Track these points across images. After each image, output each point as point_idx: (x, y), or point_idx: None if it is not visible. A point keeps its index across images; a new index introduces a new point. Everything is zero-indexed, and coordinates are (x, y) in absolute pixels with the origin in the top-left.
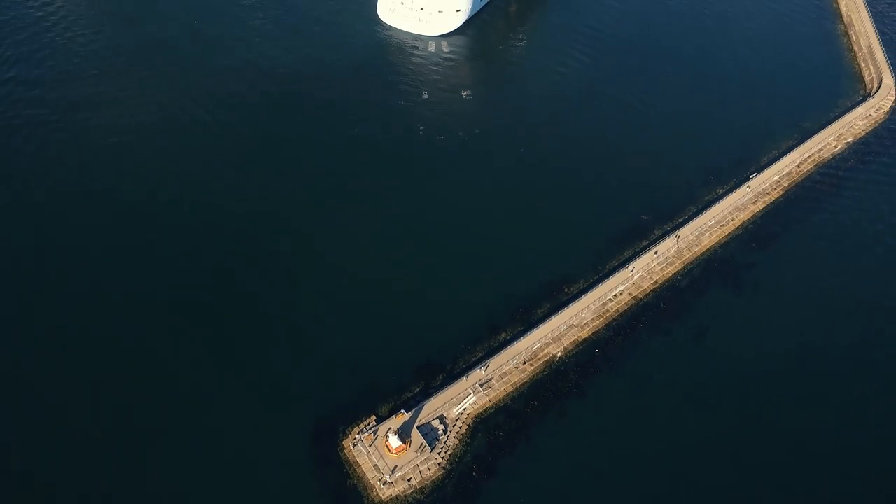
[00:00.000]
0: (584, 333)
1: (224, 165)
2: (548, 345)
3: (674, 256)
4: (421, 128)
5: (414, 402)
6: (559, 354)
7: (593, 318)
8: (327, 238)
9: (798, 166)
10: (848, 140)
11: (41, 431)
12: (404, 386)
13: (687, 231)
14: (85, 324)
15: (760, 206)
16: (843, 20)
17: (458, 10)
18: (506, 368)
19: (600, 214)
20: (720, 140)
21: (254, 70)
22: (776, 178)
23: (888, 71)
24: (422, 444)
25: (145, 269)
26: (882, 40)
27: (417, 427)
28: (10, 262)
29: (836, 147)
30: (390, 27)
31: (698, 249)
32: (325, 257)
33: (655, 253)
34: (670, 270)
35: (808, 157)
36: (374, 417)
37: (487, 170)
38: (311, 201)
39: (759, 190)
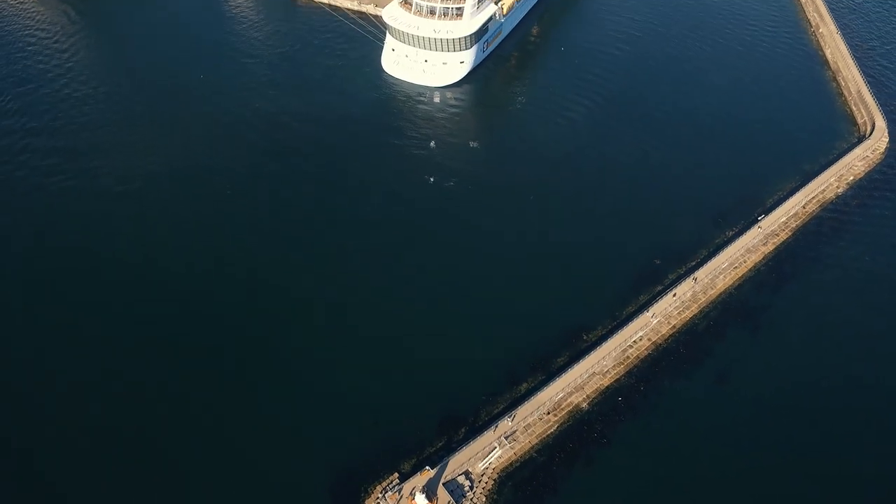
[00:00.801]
0: (606, 381)
1: (234, 214)
2: (570, 394)
3: (690, 300)
4: (431, 178)
5: (437, 458)
6: (584, 404)
7: (614, 366)
8: (342, 292)
9: (804, 207)
10: (849, 180)
11: None
12: (426, 441)
13: (701, 274)
14: (97, 375)
15: (771, 247)
16: (829, 66)
17: (461, 62)
18: (530, 420)
19: (613, 261)
20: (725, 184)
21: (261, 121)
22: (784, 219)
23: (879, 113)
24: (449, 502)
25: (158, 321)
26: (869, 84)
27: (443, 484)
28: (23, 309)
29: (838, 188)
30: (395, 79)
31: (713, 292)
32: (342, 312)
33: (674, 295)
34: (687, 314)
35: (813, 197)
36: (396, 475)
37: (498, 218)
38: (323, 253)
39: (768, 231)
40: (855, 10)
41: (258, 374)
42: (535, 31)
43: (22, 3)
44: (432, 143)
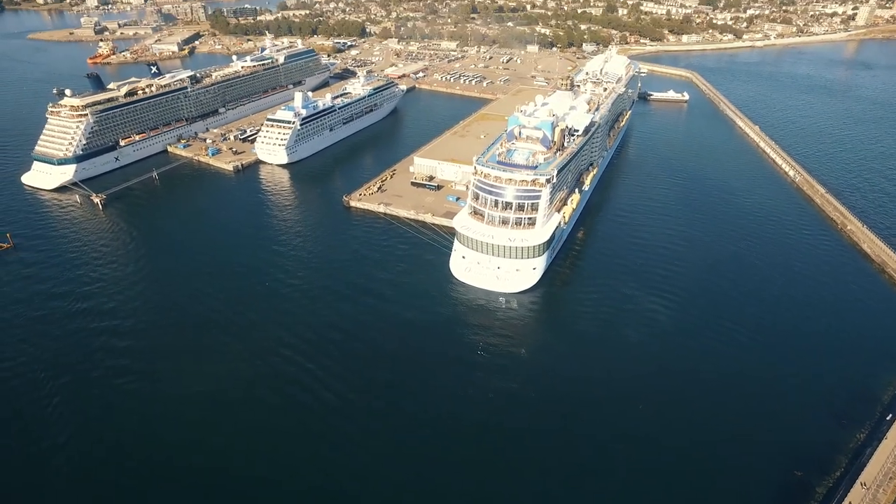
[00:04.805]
0: None
1: (307, 425)
2: None
3: None
4: (532, 391)
5: None
6: None
7: None
8: None
9: None
10: None
11: None
12: None
13: (864, 477)
14: None
15: None
16: (873, 260)
17: (534, 269)
18: None
19: (749, 475)
20: (830, 387)
21: (331, 332)
22: None
23: None
24: None
25: None
26: None
27: None
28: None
29: None
30: (466, 285)
31: None
32: None
33: None
34: None
35: None
36: None
37: (609, 430)
38: (422, 467)
39: None
40: (870, 203)
41: None
42: (580, 234)
43: (93, 217)
44: (523, 351)
